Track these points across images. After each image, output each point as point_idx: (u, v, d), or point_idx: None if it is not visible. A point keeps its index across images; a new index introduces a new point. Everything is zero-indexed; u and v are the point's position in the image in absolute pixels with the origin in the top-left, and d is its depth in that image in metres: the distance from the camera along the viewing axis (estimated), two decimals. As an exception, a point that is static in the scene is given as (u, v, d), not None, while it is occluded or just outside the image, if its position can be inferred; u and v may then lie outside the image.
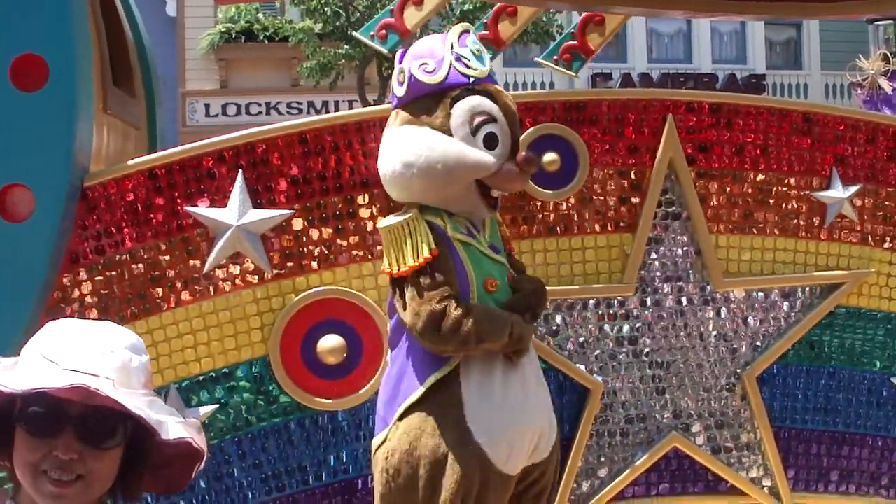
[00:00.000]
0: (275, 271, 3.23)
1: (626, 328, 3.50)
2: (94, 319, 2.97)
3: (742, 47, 22.80)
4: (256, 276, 3.22)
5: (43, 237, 2.99)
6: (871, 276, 3.70)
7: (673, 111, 3.53)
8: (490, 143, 2.86)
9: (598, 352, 3.48)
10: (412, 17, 4.21)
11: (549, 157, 3.39)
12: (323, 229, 3.28)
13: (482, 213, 2.94)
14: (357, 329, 3.26)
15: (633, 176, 3.52)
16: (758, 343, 3.60)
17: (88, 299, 3.11)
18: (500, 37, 4.33)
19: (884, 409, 3.75)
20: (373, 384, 3.23)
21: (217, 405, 3.20)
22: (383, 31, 4.25)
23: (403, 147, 2.86)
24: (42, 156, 2.97)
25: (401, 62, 2.96)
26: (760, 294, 3.61)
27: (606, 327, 3.49)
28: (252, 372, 3.24)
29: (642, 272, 3.50)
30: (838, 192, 3.66)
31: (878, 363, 3.75)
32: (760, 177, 3.63)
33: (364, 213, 3.31)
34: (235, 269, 3.21)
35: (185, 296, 3.18)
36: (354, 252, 3.30)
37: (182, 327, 3.18)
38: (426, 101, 2.87)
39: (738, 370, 3.57)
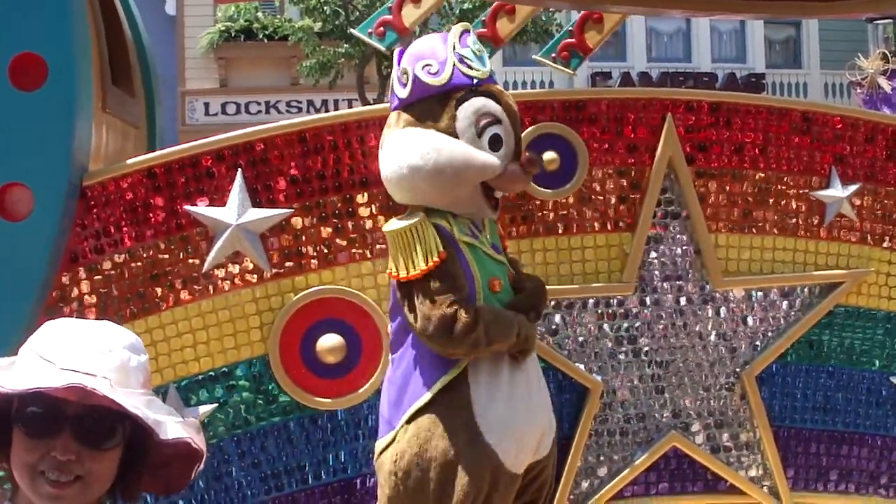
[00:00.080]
0: (274, 270, 3.23)
1: (625, 327, 3.50)
2: (92, 319, 2.97)
3: (741, 46, 22.80)
4: (256, 276, 3.22)
5: (42, 236, 2.98)
6: (870, 276, 3.70)
7: (672, 110, 3.53)
8: (494, 144, 2.87)
9: (597, 351, 3.48)
10: (410, 14, 4.21)
11: (549, 156, 3.39)
12: (322, 228, 3.28)
13: (485, 213, 2.96)
14: (356, 328, 3.25)
15: (632, 175, 3.52)
16: (757, 342, 3.60)
17: (87, 298, 3.11)
18: (498, 34, 4.33)
19: (883, 408, 3.75)
20: (372, 383, 3.23)
21: (216, 404, 3.19)
22: (381, 29, 4.24)
23: (409, 150, 2.86)
24: (41, 155, 2.96)
25: (400, 61, 2.96)
26: (760, 293, 3.61)
27: (606, 326, 3.49)
28: (251, 371, 3.24)
29: (642, 271, 3.50)
30: (837, 192, 3.66)
31: (877, 362, 3.75)
32: (760, 176, 3.63)
33: (363, 212, 3.31)
34: (235, 269, 3.21)
35: (185, 295, 3.18)
36: (354, 251, 3.30)
37: (181, 326, 3.18)
38: (430, 103, 2.87)
39: (738, 369, 3.57)
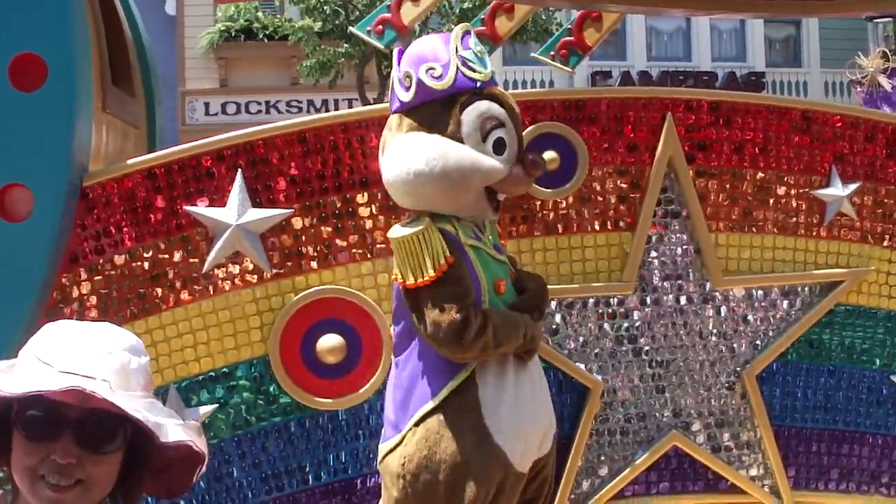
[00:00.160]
0: (274, 271, 3.23)
1: (625, 327, 3.49)
2: (93, 319, 2.97)
3: (741, 45, 22.78)
4: (256, 276, 3.22)
5: (42, 237, 2.98)
6: (870, 275, 3.70)
7: (672, 109, 3.53)
8: (498, 147, 2.88)
9: (597, 350, 3.48)
10: (409, 12, 4.21)
11: (549, 155, 3.38)
12: (322, 228, 3.28)
13: (487, 215, 2.97)
14: (357, 328, 3.25)
15: (632, 174, 3.52)
16: (757, 341, 3.59)
17: (88, 299, 3.10)
18: (496, 32, 4.33)
19: (884, 407, 3.75)
20: (373, 383, 3.24)
21: (217, 405, 3.19)
22: (380, 27, 4.24)
23: (414, 155, 2.85)
24: (41, 155, 2.96)
25: (400, 62, 2.95)
26: (760, 292, 3.60)
27: (606, 326, 3.49)
28: (252, 371, 3.24)
29: (642, 271, 3.49)
30: (838, 190, 3.65)
31: (877, 361, 3.75)
32: (760, 175, 3.62)
33: (363, 212, 3.31)
34: (235, 269, 3.21)
35: (185, 295, 3.18)
36: (354, 251, 3.30)
37: (182, 327, 3.18)
38: (434, 107, 2.87)
39: (738, 368, 3.57)
